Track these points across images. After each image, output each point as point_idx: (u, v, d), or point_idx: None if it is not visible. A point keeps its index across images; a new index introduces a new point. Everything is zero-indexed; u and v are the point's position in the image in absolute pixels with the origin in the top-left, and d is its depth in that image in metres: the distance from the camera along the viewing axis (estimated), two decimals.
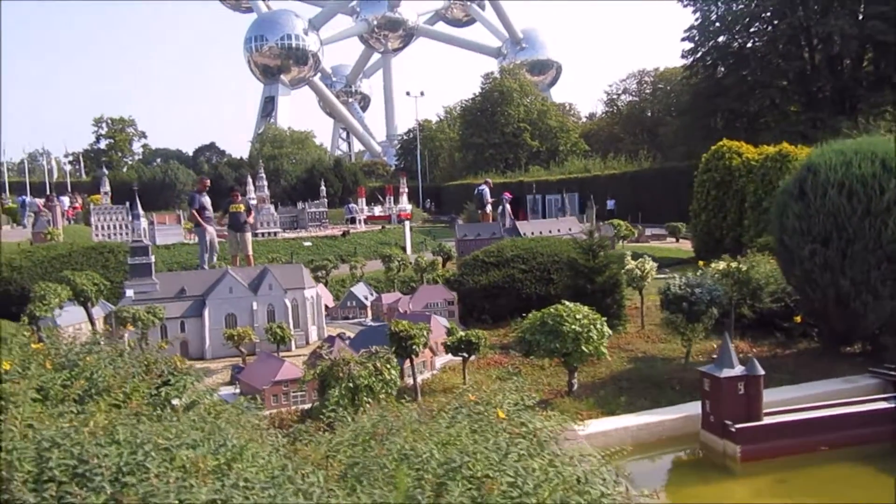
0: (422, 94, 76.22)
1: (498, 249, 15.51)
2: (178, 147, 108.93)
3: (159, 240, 24.94)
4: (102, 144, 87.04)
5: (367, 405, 8.66)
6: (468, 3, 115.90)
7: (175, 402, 6.73)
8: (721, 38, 49.80)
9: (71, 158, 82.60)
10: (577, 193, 49.55)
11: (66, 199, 41.58)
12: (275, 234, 27.34)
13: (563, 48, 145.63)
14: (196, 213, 19.20)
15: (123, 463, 4.82)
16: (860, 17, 41.60)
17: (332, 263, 19.15)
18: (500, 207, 32.06)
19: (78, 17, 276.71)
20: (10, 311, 14.46)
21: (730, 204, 22.93)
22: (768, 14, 46.57)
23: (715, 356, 11.57)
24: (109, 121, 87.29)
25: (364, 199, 44.20)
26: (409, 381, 10.26)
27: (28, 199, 40.98)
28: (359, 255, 26.02)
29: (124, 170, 73.60)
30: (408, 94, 75.61)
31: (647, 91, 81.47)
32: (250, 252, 19.98)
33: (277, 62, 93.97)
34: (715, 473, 8.26)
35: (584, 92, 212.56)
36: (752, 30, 48.83)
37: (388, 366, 8.92)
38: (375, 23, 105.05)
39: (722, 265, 11.57)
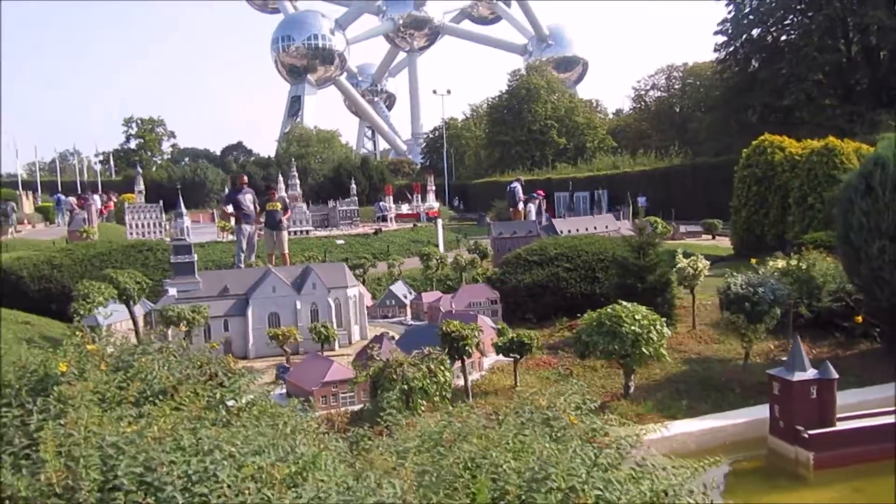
0: (448, 92, 75.84)
1: (541, 247, 15.20)
2: (206, 146, 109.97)
3: (193, 238, 24.86)
4: (132, 144, 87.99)
5: (422, 408, 8.42)
6: (494, 1, 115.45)
7: (230, 403, 6.55)
8: (755, 32, 48.90)
9: (101, 158, 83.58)
10: (606, 190, 48.96)
11: (97, 198, 41.89)
12: (306, 232, 27.23)
13: (589, 44, 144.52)
14: (228, 211, 19.16)
15: (192, 471, 4.61)
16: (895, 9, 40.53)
17: (370, 262, 18.97)
18: (533, 205, 31.75)
19: (108, 18, 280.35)
20: (50, 309, 14.47)
21: (772, 199, 22.38)
22: (803, 6, 45.58)
23: (773, 357, 11.23)
24: (139, 121, 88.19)
25: (391, 198, 44.05)
26: (459, 381, 10.00)
27: (63, 197, 41.36)
28: (392, 253, 25.84)
29: (153, 169, 74.27)
30: (434, 92, 75.45)
31: (676, 86, 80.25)
32: (286, 251, 19.87)
33: (304, 62, 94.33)
34: (786, 481, 7.90)
35: (610, 88, 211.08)
36: (786, 22, 47.84)
37: (442, 367, 8.68)
38: (401, 22, 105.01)
39: (781, 263, 11.17)
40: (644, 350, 8.92)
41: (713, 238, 30.58)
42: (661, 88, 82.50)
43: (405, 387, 8.24)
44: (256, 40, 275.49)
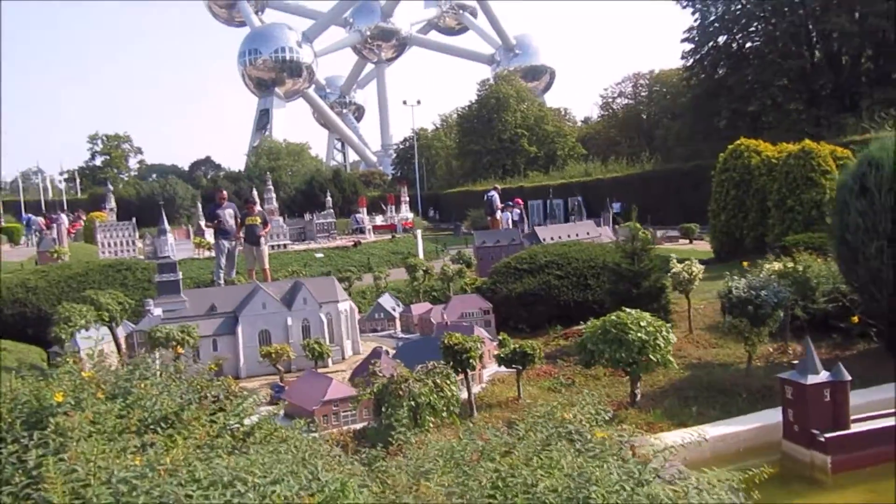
0: (418, 102, 75.95)
1: (530, 256, 15.05)
2: (174, 162, 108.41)
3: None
4: (98, 161, 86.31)
5: (430, 424, 8.17)
6: (461, 11, 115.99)
7: (233, 426, 6.25)
8: (721, 39, 49.66)
9: (66, 176, 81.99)
10: (579, 197, 49.19)
11: (64, 217, 40.93)
12: (284, 246, 26.82)
13: (555, 54, 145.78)
14: (214, 226, 18.81)
15: None
16: (857, 16, 41.42)
17: (355, 274, 18.66)
18: (510, 213, 31.71)
19: (71, 34, 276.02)
20: (26, 334, 13.90)
21: (750, 203, 22.57)
22: (766, 14, 46.39)
23: (773, 361, 11.18)
24: (105, 137, 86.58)
25: (365, 209, 43.78)
26: (461, 395, 9.75)
27: (32, 217, 40.26)
28: (372, 265, 25.54)
29: (121, 186, 72.93)
30: (405, 103, 75.42)
31: (643, 94, 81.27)
32: (267, 266, 19.50)
33: (272, 75, 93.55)
34: (804, 486, 7.79)
35: (577, 97, 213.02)
36: (751, 29, 48.66)
37: (448, 381, 8.45)
38: (368, 33, 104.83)
39: (777, 265, 11.14)
40: (652, 357, 8.78)
41: (690, 242, 30.79)
42: (629, 96, 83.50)
43: (412, 403, 7.99)
44: (222, 54, 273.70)
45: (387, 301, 15.81)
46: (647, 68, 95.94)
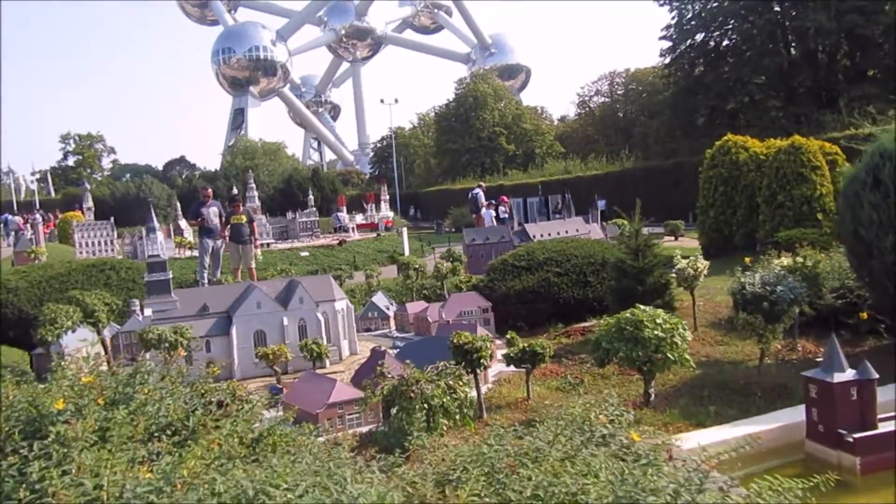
0: (396, 101, 75.45)
1: (528, 253, 14.76)
2: (147, 162, 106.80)
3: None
4: (71, 161, 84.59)
5: (444, 427, 7.83)
6: (435, 10, 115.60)
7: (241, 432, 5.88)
8: (698, 37, 49.82)
9: (38, 176, 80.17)
10: (567, 194, 49.12)
11: (38, 217, 39.89)
12: (268, 244, 26.28)
13: (530, 52, 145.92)
14: (198, 224, 18.33)
15: None
16: (833, 12, 41.70)
17: (346, 273, 18.23)
18: (492, 211, 31.40)
19: (38, 32, 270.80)
20: (7, 337, 13.33)
21: (739, 199, 22.52)
22: (744, 11, 46.61)
23: (783, 358, 10.99)
24: (77, 137, 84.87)
25: (346, 208, 43.37)
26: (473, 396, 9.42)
27: (10, 217, 39.14)
28: (359, 263, 25.11)
29: (94, 186, 71.55)
30: (382, 101, 74.94)
31: (619, 92, 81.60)
32: (253, 265, 19.03)
33: (246, 74, 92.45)
34: (832, 487, 7.54)
35: (553, 95, 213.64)
36: (728, 27, 48.86)
37: (460, 383, 8.11)
38: (343, 32, 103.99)
39: (786, 261, 10.96)
40: (669, 355, 8.52)
41: (676, 239, 30.72)
42: (605, 94, 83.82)
43: (425, 405, 7.64)
44: (196, 53, 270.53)
45: (380, 300, 15.43)
46: (623, 67, 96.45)
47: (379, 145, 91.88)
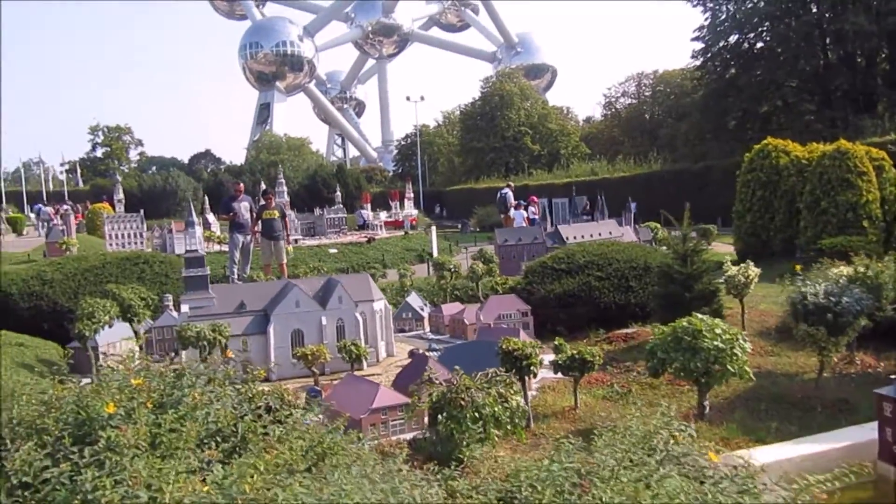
0: (422, 98, 75.00)
1: (567, 255, 14.41)
2: (173, 155, 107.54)
3: (178, 249, 23.72)
4: (99, 153, 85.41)
5: (496, 438, 7.53)
6: (462, 8, 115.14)
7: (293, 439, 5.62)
8: (732, 38, 49.03)
9: (67, 167, 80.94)
10: (585, 196, 48.57)
11: (66, 208, 40.17)
12: (296, 241, 26.12)
13: (557, 52, 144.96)
14: (229, 219, 18.18)
15: None
16: (874, 14, 40.77)
17: (379, 272, 17.98)
18: (524, 212, 31.02)
19: (70, 26, 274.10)
20: (41, 329, 13.22)
21: (778, 204, 21.94)
22: (780, 13, 45.75)
23: (840, 371, 10.54)
24: (106, 129, 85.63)
25: (369, 205, 43.19)
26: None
27: (42, 207, 39.42)
28: (387, 261, 24.90)
29: (122, 178, 72.05)
30: (408, 98, 74.61)
31: (647, 94, 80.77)
32: (285, 261, 18.82)
33: (272, 69, 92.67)
34: None
35: (578, 95, 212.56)
36: (762, 29, 48.02)
37: (512, 391, 7.79)
38: (370, 29, 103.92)
39: (846, 269, 10.52)
40: (729, 367, 8.14)
41: (709, 244, 30.13)
42: (632, 96, 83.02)
43: (476, 414, 7.33)
44: (222, 47, 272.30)
45: (414, 300, 15.14)
46: (651, 68, 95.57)
47: (403, 143, 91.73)
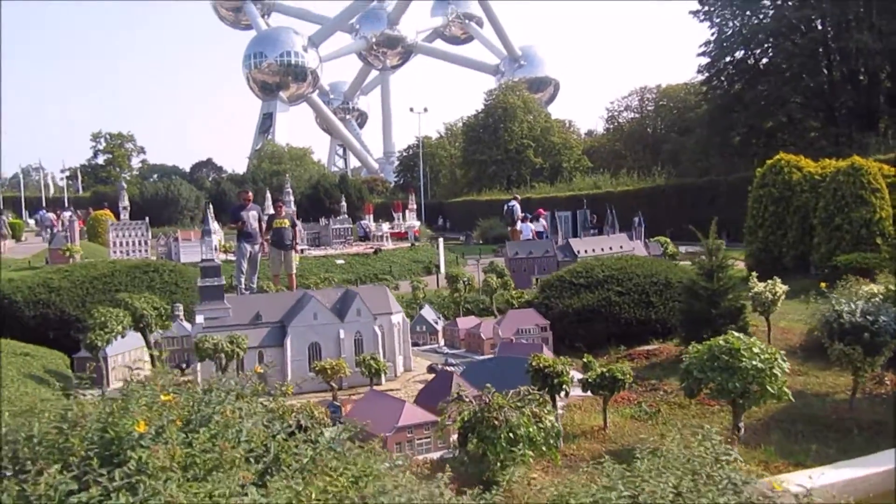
0: (425, 110, 75.25)
1: (585, 270, 14.16)
2: (175, 163, 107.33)
3: (184, 258, 23.44)
4: (101, 160, 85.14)
5: (531, 460, 7.24)
6: (467, 21, 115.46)
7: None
8: (738, 54, 49.05)
9: (68, 173, 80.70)
10: (588, 210, 48.38)
11: (67, 215, 39.86)
12: (302, 251, 25.82)
13: (560, 65, 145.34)
14: (238, 228, 17.87)
15: None
16: (879, 32, 40.78)
17: (391, 283, 17.70)
18: (531, 225, 30.76)
19: (73, 32, 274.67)
20: (47, 338, 12.91)
21: (790, 220, 21.73)
22: (786, 30, 45.78)
23: (870, 392, 10.27)
24: (108, 136, 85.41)
25: (371, 216, 43.00)
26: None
27: (45, 213, 39.11)
28: (395, 273, 24.63)
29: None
30: (412, 110, 74.75)
31: (650, 108, 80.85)
32: (294, 271, 18.53)
33: (276, 79, 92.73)
34: None
35: (580, 109, 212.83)
36: (768, 45, 48.04)
37: (545, 410, 7.52)
38: (374, 40, 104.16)
39: (876, 287, 10.28)
40: (769, 388, 7.88)
41: None
42: (635, 110, 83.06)
43: (510, 434, 7.06)
44: (225, 56, 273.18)
45: (428, 313, 14.87)
46: (653, 83, 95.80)
47: (404, 154, 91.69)
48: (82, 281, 13.52)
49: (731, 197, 36.46)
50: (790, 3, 45.25)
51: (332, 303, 11.34)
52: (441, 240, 25.54)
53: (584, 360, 9.50)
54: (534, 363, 8.48)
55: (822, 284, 12.39)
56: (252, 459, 4.96)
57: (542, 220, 30.49)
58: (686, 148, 59.16)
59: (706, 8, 49.38)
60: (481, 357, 12.51)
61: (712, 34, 49.56)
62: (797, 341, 12.54)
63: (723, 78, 50.44)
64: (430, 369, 11.48)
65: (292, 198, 28.89)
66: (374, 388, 10.39)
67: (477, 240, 49.61)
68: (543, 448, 7.27)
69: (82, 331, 10.81)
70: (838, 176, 20.11)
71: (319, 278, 17.76)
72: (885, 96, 44.89)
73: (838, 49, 44.14)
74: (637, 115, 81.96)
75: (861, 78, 45.33)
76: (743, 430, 8.66)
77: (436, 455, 8.16)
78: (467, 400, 7.69)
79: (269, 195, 29.75)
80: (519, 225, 29.99)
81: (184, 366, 11.63)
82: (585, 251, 21.58)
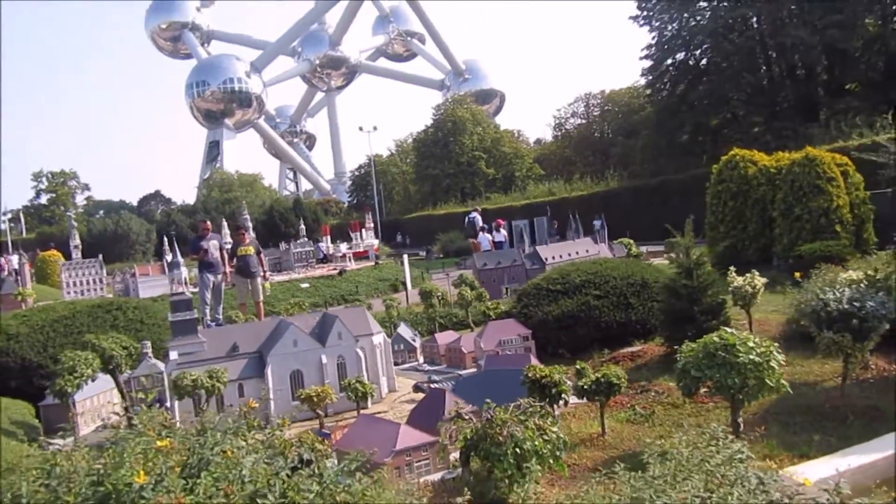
0: (375, 128, 75.03)
1: (562, 275, 14.06)
2: (121, 197, 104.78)
3: (143, 293, 22.70)
4: (44, 199, 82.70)
5: (539, 476, 7.03)
6: (409, 38, 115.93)
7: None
8: (679, 55, 50.12)
9: (10, 216, 78.04)
10: (546, 217, 48.69)
11: (14, 258, 38.42)
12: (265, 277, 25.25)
13: (504, 77, 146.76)
14: (199, 258, 17.33)
15: None
16: (812, 28, 42.10)
17: (364, 303, 17.35)
18: (488, 235, 30.74)
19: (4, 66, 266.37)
20: (9, 387, 12.24)
21: (750, 214, 22.08)
22: (723, 30, 46.97)
23: (857, 377, 10.33)
24: (49, 174, 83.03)
25: (328, 238, 42.58)
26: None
27: None
28: (361, 292, 24.27)
29: (67, 223, 69.79)
30: (361, 129, 74.56)
31: (596, 113, 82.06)
32: (261, 299, 18.07)
33: (221, 106, 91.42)
34: None
35: (527, 118, 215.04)
36: (707, 45, 49.21)
37: (548, 422, 7.31)
38: (318, 62, 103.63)
39: (854, 274, 10.37)
40: (768, 381, 7.81)
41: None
42: (581, 116, 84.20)
43: (516, 450, 6.83)
44: (168, 85, 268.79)
45: (405, 331, 14.58)
46: (597, 88, 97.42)
47: (356, 173, 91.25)
48: (42, 325, 12.87)
49: (685, 195, 36.99)
50: (725, 4, 46.47)
51: (311, 328, 10.99)
52: (406, 257, 25.28)
53: (578, 366, 9.35)
54: (530, 374, 8.28)
55: (797, 274, 12.53)
56: (258, 501, 4.66)
57: (503, 231, 30.48)
58: (635, 150, 60.15)
59: (645, 13, 50.45)
60: (464, 372, 12.26)
61: (653, 38, 50.63)
62: (775, 331, 12.63)
63: (666, 80, 51.48)
64: (417, 388, 11.19)
65: (250, 224, 28.28)
66: (363, 412, 10.06)
67: (438, 254, 49.49)
68: (551, 461, 7.06)
69: (48, 377, 10.26)
70: (794, 167, 20.52)
71: (289, 304, 17.31)
72: (823, 89, 46.36)
73: (775, 45, 45.45)
74: (584, 121, 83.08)
75: (799, 72, 46.74)
76: (741, 425, 8.58)
77: (436, 476, 7.89)
78: (467, 417, 7.45)
79: (224, 224, 29.07)
80: (480, 236, 29.97)
81: (157, 405, 11.12)
82: (553, 258, 21.56)
